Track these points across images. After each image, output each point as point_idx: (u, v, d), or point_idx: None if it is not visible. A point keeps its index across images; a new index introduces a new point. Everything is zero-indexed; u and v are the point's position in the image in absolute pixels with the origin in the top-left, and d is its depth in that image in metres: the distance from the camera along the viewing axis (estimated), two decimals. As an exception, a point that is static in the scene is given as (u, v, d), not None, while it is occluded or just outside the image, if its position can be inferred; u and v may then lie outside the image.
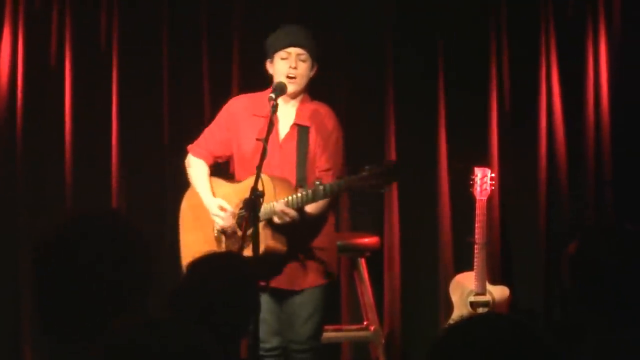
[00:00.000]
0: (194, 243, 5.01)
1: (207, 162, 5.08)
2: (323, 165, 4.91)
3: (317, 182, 4.66)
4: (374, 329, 6.14)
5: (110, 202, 6.36)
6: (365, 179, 4.49)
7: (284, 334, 5.02)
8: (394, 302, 6.41)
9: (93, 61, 6.46)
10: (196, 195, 5.08)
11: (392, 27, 6.43)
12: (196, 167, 5.09)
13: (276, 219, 4.68)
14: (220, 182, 5.05)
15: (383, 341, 6.18)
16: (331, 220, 5.05)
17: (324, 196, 4.65)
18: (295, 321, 4.98)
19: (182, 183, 5.95)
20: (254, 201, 4.46)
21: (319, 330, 5.06)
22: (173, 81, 6.47)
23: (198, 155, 5.09)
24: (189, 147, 5.14)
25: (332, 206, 5.00)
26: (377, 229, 6.37)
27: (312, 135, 4.94)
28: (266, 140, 4.59)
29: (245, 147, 4.96)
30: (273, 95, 4.77)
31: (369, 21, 6.43)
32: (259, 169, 4.53)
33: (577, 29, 6.34)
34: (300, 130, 4.95)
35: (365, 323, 6.19)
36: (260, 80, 5.13)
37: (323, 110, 5.03)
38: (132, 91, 6.46)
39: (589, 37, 6.31)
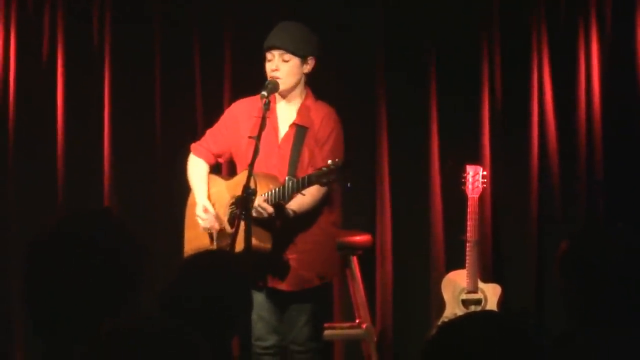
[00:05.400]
0: (193, 239, 5.03)
1: (207, 161, 5.09)
2: (319, 164, 4.83)
3: (287, 178, 4.67)
4: (366, 327, 6.15)
5: (102, 201, 6.35)
6: (323, 175, 4.50)
7: (285, 333, 5.03)
8: (386, 300, 6.41)
9: (85, 62, 6.46)
10: None
11: (384, 28, 6.42)
12: (195, 166, 5.10)
13: (254, 214, 4.66)
14: (216, 180, 5.06)
15: (375, 339, 6.18)
16: (329, 217, 5.02)
17: (292, 190, 4.64)
18: (295, 323, 4.99)
19: (174, 183, 5.96)
20: (245, 199, 4.47)
21: (318, 332, 5.07)
22: (165, 80, 6.47)
23: (199, 154, 5.10)
24: (192, 145, 5.16)
25: (324, 204, 4.97)
26: (369, 227, 6.37)
27: (309, 137, 4.93)
28: (258, 137, 4.61)
29: (243, 147, 4.95)
30: (265, 93, 4.77)
31: (360, 25, 6.41)
32: (251, 166, 4.55)
33: (568, 30, 6.34)
34: (298, 131, 4.94)
35: (357, 321, 6.19)
36: (252, 83, 5.13)
37: (324, 111, 5.00)
38: (124, 91, 6.47)
39: (580, 38, 6.31)
